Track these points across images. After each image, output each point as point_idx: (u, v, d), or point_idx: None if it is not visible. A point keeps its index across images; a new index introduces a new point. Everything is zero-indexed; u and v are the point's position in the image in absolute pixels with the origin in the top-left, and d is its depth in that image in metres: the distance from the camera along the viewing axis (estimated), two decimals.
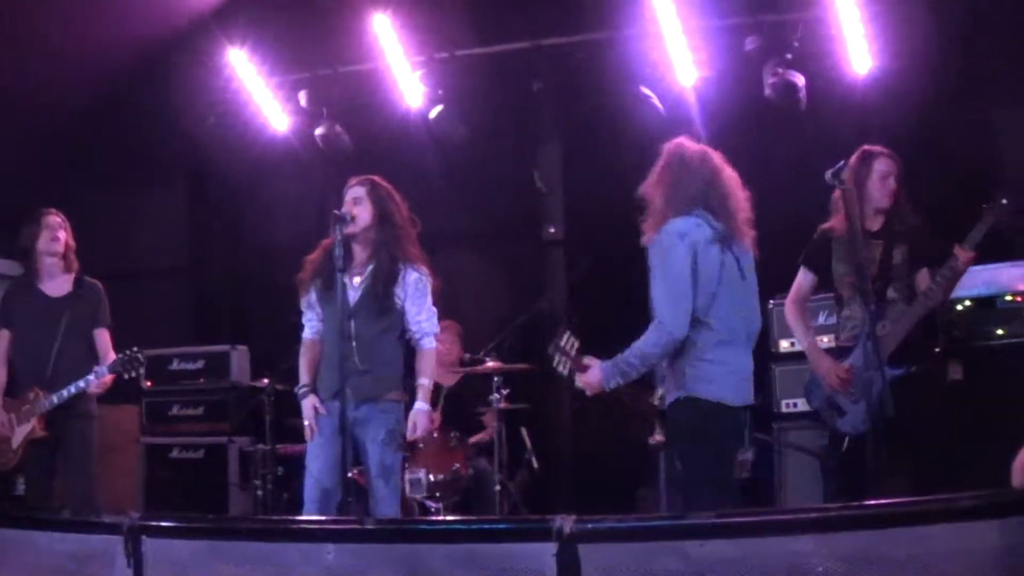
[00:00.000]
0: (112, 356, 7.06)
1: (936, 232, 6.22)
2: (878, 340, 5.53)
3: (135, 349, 6.92)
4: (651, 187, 5.41)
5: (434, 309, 6.31)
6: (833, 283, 6.35)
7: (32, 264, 7.26)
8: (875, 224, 6.23)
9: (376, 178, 6.32)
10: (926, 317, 6.06)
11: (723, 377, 5.15)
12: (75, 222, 7.47)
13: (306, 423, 6.11)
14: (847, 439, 6.03)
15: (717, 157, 5.41)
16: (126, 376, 6.99)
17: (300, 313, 6.40)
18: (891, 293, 6.09)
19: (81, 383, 6.90)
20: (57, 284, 7.27)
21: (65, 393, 6.90)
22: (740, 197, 5.36)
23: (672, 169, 5.38)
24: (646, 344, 5.15)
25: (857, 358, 6.03)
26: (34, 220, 7.23)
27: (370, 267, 6.15)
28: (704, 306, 5.12)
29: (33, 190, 7.07)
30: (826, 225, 6.32)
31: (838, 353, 6.24)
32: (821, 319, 7.63)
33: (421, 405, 6.20)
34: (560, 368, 5.40)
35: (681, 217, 5.23)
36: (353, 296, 6.06)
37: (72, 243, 7.32)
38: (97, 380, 6.95)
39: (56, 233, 7.21)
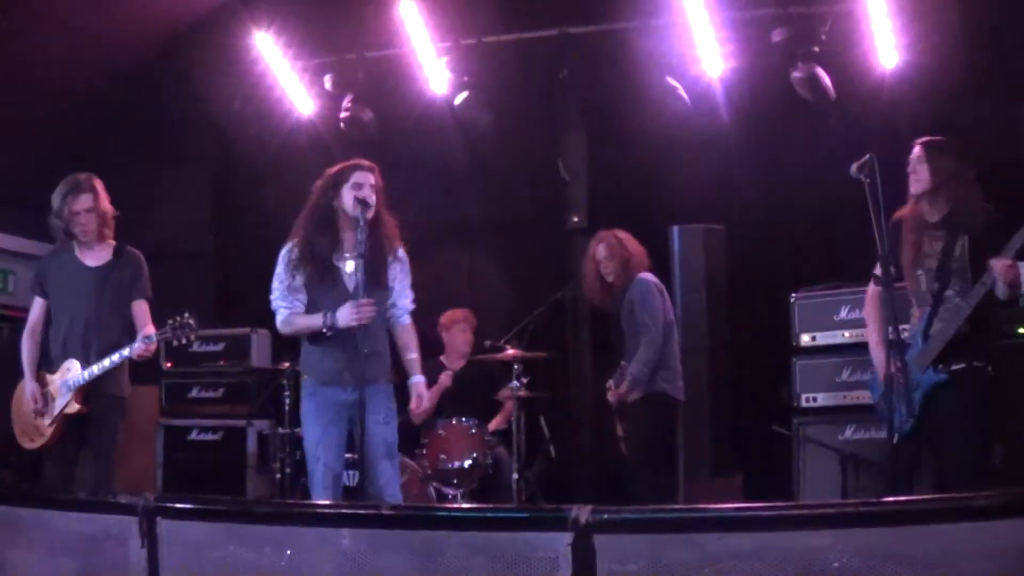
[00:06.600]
0: (151, 329, 6.70)
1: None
2: (927, 340, 5.86)
3: (186, 315, 6.68)
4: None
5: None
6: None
7: (66, 232, 6.84)
8: (934, 215, 5.96)
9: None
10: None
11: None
12: None
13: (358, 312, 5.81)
14: (896, 436, 5.89)
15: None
16: (175, 343, 6.75)
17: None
18: (949, 292, 5.84)
19: (125, 352, 6.56)
20: (95, 253, 6.91)
21: (108, 363, 6.57)
22: None
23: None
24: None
25: (911, 355, 5.84)
26: (69, 183, 6.84)
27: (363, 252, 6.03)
28: None
29: (56, 170, 7.02)
30: (897, 214, 5.99)
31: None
32: (843, 313, 7.59)
33: (419, 377, 6.23)
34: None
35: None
36: (353, 281, 6.00)
37: (110, 209, 6.92)
38: (144, 347, 6.57)
39: (92, 196, 6.81)
